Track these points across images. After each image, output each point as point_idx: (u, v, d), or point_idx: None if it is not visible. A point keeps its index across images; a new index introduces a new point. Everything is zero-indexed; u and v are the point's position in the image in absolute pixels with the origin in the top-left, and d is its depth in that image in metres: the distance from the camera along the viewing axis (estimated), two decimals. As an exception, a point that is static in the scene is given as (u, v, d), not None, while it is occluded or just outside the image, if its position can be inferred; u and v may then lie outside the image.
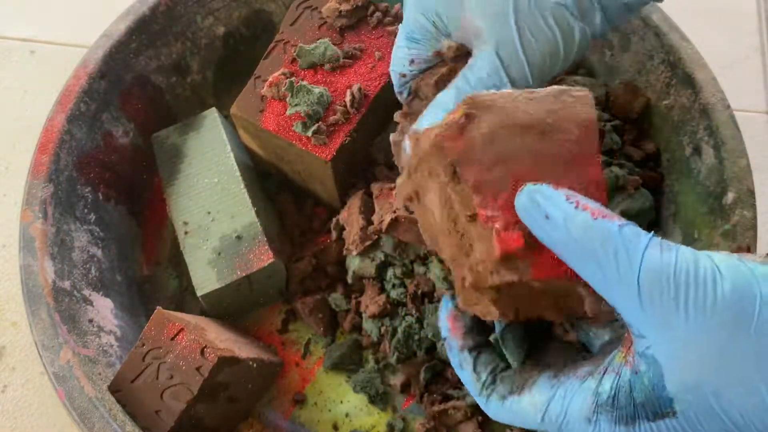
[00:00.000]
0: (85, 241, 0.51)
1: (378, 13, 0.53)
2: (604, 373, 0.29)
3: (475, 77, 0.37)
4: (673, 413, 0.27)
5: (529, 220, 0.30)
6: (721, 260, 0.27)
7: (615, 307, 0.28)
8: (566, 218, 0.28)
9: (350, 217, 0.50)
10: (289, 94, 0.50)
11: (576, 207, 0.28)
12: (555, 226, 0.29)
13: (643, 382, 0.28)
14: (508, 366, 0.35)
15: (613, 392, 0.28)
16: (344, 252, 0.51)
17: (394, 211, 0.46)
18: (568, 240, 0.28)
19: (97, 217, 0.53)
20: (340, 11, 0.52)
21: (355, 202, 0.51)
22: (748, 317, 0.26)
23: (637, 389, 0.28)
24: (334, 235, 0.52)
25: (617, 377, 0.29)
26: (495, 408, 0.33)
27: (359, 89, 0.50)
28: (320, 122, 0.49)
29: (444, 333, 0.36)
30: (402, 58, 0.42)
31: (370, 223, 0.49)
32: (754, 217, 0.47)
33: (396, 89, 0.44)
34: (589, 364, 0.31)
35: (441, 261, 0.45)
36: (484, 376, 0.34)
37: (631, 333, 0.28)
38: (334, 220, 0.52)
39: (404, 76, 0.43)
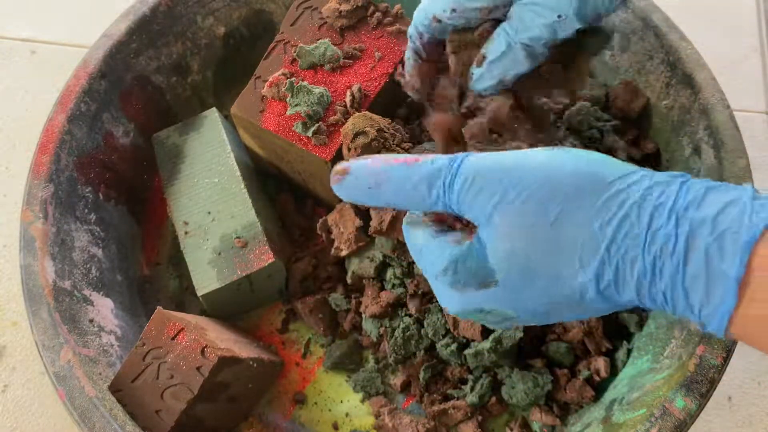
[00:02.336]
0: (85, 241, 0.51)
1: (378, 14, 0.53)
2: (457, 244, 0.34)
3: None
4: (495, 282, 0.32)
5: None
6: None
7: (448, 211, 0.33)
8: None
9: (343, 218, 0.50)
10: (290, 95, 0.50)
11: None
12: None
13: (473, 255, 0.33)
14: None
15: (455, 260, 0.33)
16: (332, 252, 0.51)
17: (394, 211, 0.46)
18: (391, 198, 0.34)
19: (98, 217, 0.53)
20: (340, 11, 0.52)
21: (348, 205, 0.51)
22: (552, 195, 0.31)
23: (469, 261, 0.33)
24: (324, 238, 0.52)
25: (461, 248, 0.33)
26: (404, 228, 0.37)
27: (359, 89, 0.50)
28: (320, 122, 0.49)
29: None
30: (446, 2, 0.40)
31: (366, 223, 0.49)
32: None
33: (417, 30, 0.42)
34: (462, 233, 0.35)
35: None
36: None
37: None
38: (321, 220, 0.52)
39: (439, 21, 0.41)
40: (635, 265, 0.29)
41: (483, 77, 0.41)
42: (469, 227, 0.35)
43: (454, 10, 0.40)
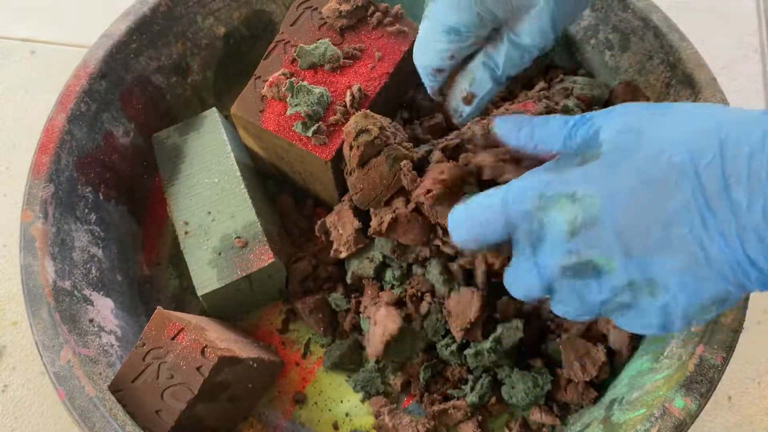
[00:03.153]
0: (85, 241, 0.51)
1: (378, 14, 0.53)
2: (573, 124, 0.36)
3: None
4: (597, 156, 0.33)
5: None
6: None
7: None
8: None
9: (342, 219, 0.50)
10: (290, 95, 0.50)
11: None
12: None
13: (587, 131, 0.35)
14: None
15: (570, 135, 0.36)
16: (332, 254, 0.51)
17: (394, 212, 0.46)
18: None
19: (98, 217, 0.53)
20: (340, 11, 0.52)
21: (346, 206, 0.51)
22: None
23: (580, 134, 0.35)
24: (323, 239, 0.52)
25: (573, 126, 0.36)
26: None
27: (359, 89, 0.50)
28: (320, 122, 0.49)
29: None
30: (441, 52, 0.42)
31: (365, 225, 0.49)
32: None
33: (430, 85, 0.44)
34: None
35: (441, 261, 0.46)
36: None
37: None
38: (319, 222, 0.52)
39: (441, 71, 0.43)
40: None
41: (472, 113, 0.44)
42: None
43: (452, 57, 0.42)
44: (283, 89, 0.50)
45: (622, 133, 0.33)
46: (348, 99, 0.50)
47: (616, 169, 0.32)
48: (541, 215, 0.34)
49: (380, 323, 0.48)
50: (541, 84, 0.56)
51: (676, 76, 0.53)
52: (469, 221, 0.37)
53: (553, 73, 0.59)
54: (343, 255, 0.50)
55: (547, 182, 0.34)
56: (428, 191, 0.43)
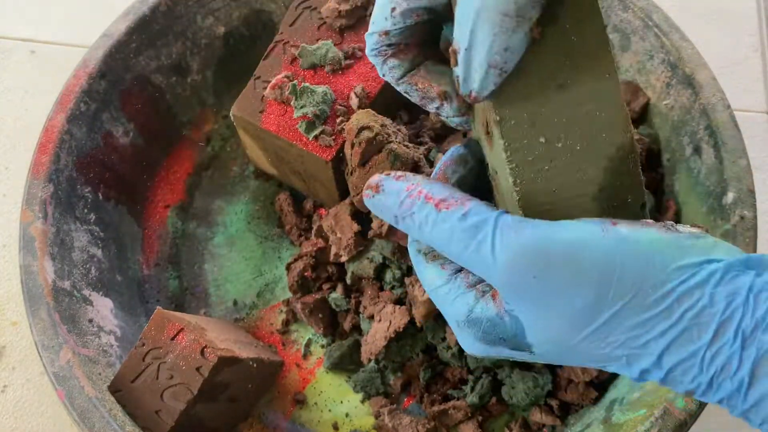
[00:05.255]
0: (85, 241, 0.51)
1: (378, 13, 0.53)
2: (482, 297, 0.31)
3: None
4: (531, 352, 0.30)
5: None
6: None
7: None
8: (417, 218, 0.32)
9: (339, 223, 0.50)
10: (294, 98, 0.49)
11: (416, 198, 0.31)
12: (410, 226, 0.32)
13: (506, 327, 0.30)
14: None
15: (482, 317, 0.31)
16: (332, 258, 0.51)
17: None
18: (424, 237, 0.32)
19: (97, 217, 0.53)
20: (340, 11, 0.52)
21: (343, 209, 0.50)
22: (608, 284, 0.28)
23: (500, 329, 0.30)
24: (321, 242, 0.52)
25: (488, 308, 0.31)
26: (412, 253, 0.34)
27: (362, 89, 0.50)
28: (325, 125, 0.49)
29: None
30: (384, 5, 0.32)
31: (364, 226, 0.49)
32: (755, 217, 0.47)
33: (373, 51, 0.33)
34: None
35: None
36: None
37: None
38: (315, 227, 0.52)
39: (386, 34, 0.32)
40: (687, 375, 0.28)
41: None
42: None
43: (393, 9, 0.32)
44: (287, 92, 0.50)
45: (553, 350, 0.30)
46: (353, 101, 0.49)
47: (557, 360, 0.31)
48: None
49: (386, 319, 0.48)
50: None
51: (676, 75, 0.53)
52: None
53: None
54: (344, 259, 0.50)
55: (472, 346, 0.32)
56: None
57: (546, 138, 0.30)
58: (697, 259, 0.28)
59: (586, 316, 0.28)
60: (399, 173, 0.33)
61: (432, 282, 0.33)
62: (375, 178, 0.33)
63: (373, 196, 0.33)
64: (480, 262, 0.30)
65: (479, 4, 0.28)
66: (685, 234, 0.29)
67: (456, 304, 0.31)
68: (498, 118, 0.30)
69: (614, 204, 0.31)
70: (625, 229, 0.28)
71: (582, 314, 0.28)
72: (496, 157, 0.32)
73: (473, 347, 0.32)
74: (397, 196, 0.32)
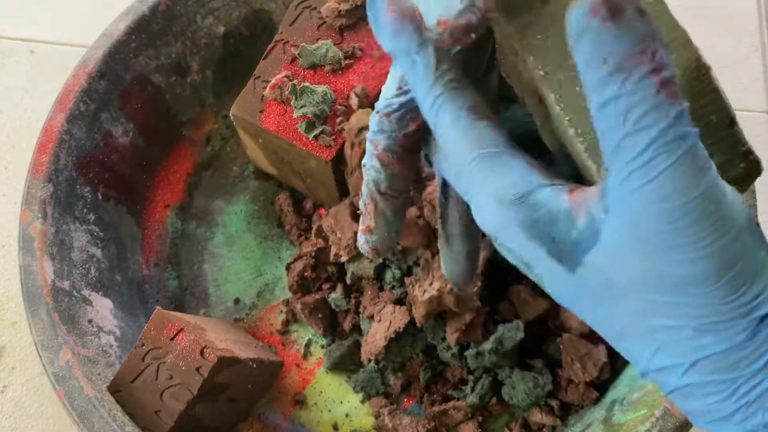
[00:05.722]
0: (84, 241, 0.51)
1: (378, 13, 0.53)
2: (550, 186, 0.25)
3: None
4: (572, 271, 0.25)
5: None
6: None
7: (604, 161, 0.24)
8: None
9: (339, 223, 0.50)
10: (293, 97, 0.49)
11: None
12: None
13: (572, 230, 0.24)
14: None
15: (545, 204, 0.25)
16: (332, 259, 0.51)
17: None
18: None
19: (97, 217, 0.53)
20: (340, 11, 0.52)
21: (343, 209, 0.50)
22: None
23: (562, 228, 0.25)
24: (321, 242, 0.52)
25: (558, 199, 0.25)
26: (435, 110, 0.27)
27: (362, 89, 0.50)
28: (325, 125, 0.49)
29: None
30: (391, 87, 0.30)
31: None
32: (755, 217, 0.46)
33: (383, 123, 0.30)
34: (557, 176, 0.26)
35: None
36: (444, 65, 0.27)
37: (599, 187, 0.24)
38: (315, 227, 0.52)
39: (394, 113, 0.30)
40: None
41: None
42: None
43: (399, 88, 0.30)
44: (287, 92, 0.50)
45: (598, 275, 0.24)
46: (353, 101, 0.49)
47: (595, 304, 0.25)
48: None
49: (386, 319, 0.48)
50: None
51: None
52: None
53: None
54: (344, 259, 0.50)
55: (493, 213, 0.26)
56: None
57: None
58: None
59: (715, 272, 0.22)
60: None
61: (480, 143, 0.26)
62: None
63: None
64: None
65: None
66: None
67: (510, 176, 0.25)
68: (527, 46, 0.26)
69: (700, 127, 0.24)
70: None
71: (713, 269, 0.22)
72: (556, 118, 0.27)
73: (503, 231, 0.26)
74: None
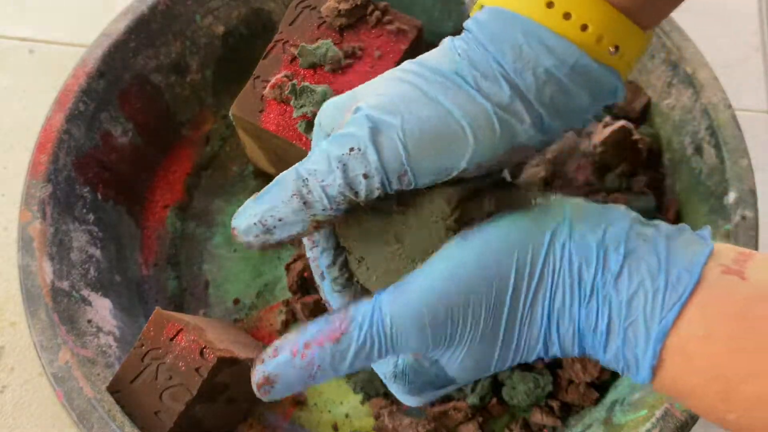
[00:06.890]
0: (83, 241, 0.51)
1: (377, 12, 0.52)
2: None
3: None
4: (454, 382, 0.33)
5: None
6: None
7: None
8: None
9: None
10: (293, 97, 0.49)
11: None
12: None
13: (428, 371, 0.33)
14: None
15: (405, 368, 0.34)
16: None
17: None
18: None
19: (96, 217, 0.53)
20: (339, 10, 0.52)
21: None
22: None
23: (424, 375, 0.33)
24: None
25: (408, 359, 0.34)
26: (327, 290, 0.38)
27: (360, 89, 0.50)
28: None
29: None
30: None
31: None
32: (756, 218, 0.46)
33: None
34: None
35: None
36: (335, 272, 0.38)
37: None
38: None
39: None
40: (568, 334, 0.30)
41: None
42: None
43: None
44: (286, 92, 0.50)
45: (472, 374, 0.33)
46: None
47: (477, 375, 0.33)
48: None
49: None
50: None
51: (677, 75, 0.53)
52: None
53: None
54: None
55: (406, 398, 0.36)
56: None
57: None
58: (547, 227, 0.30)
59: (490, 335, 0.30)
60: (269, 350, 0.33)
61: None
62: (258, 374, 0.33)
63: (274, 387, 0.33)
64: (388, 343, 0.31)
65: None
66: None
67: (384, 362, 0.34)
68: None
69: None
70: (471, 236, 0.31)
71: (486, 335, 0.30)
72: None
73: (406, 398, 0.35)
74: (293, 366, 0.32)
